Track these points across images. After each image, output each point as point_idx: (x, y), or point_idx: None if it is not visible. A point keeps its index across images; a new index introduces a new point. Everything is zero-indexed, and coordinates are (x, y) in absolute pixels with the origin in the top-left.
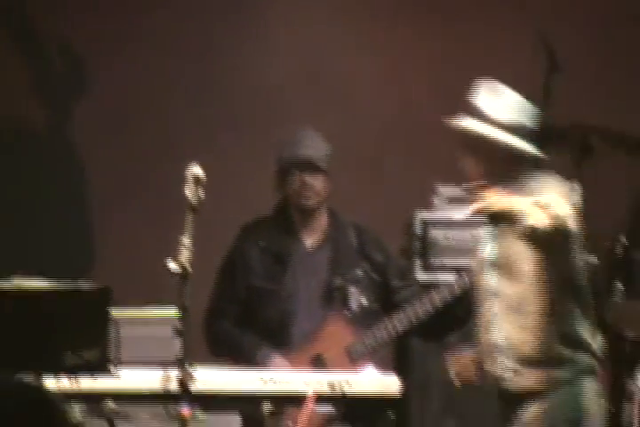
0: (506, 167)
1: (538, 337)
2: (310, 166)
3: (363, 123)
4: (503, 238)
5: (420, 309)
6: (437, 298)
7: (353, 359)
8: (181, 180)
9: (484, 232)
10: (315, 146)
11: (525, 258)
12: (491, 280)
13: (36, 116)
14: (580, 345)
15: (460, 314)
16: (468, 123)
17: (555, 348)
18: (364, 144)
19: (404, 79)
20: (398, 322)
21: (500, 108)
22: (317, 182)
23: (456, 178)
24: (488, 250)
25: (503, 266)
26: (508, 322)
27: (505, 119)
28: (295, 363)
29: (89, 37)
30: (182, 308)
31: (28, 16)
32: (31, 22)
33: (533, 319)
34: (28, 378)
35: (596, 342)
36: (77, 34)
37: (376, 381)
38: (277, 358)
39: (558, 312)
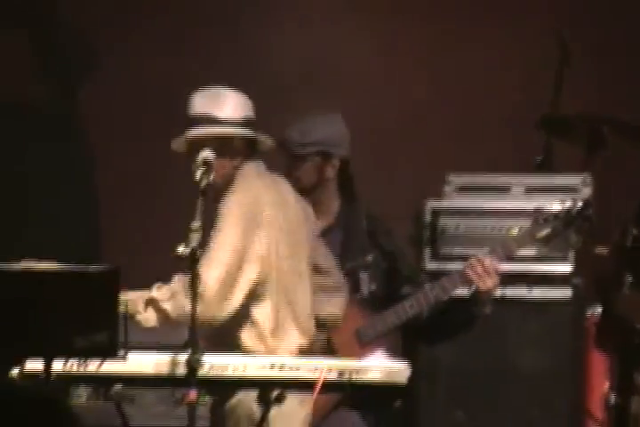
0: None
1: None
2: (289, 151)
3: (376, 113)
4: None
5: (431, 294)
6: (448, 284)
7: (362, 344)
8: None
9: None
10: (298, 132)
11: None
12: None
13: (45, 99)
14: None
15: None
16: (199, 131)
17: None
18: (376, 132)
19: (416, 74)
20: (409, 307)
21: (226, 108)
22: (298, 169)
23: (467, 167)
24: None
25: None
26: None
27: (233, 116)
28: None
29: (102, 24)
30: (192, 293)
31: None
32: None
33: None
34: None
35: None
36: (92, 21)
37: (385, 369)
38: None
39: None
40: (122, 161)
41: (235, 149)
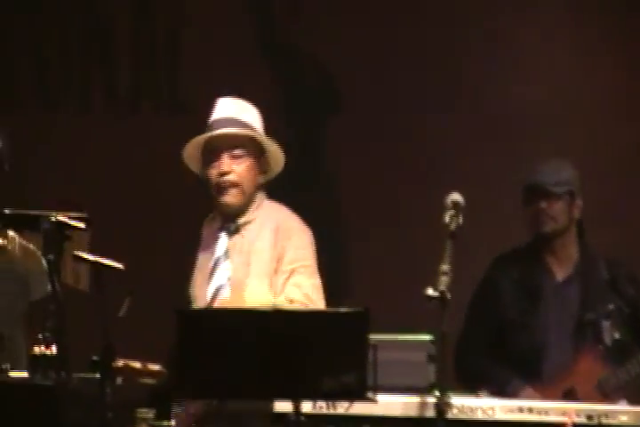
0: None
1: None
2: (543, 191)
3: (609, 147)
4: None
5: None
6: None
7: (605, 394)
8: (437, 208)
9: None
10: (550, 172)
11: None
12: None
13: (287, 131)
14: None
15: None
16: (231, 129)
17: None
18: (610, 169)
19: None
20: None
21: (247, 114)
22: (553, 208)
23: None
24: None
25: None
26: None
27: (256, 124)
28: (546, 396)
29: (342, 55)
30: (441, 334)
31: (281, 30)
32: (284, 36)
33: None
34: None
35: None
36: (329, 50)
37: (634, 412)
38: (529, 390)
39: None
40: (365, 202)
41: (262, 166)
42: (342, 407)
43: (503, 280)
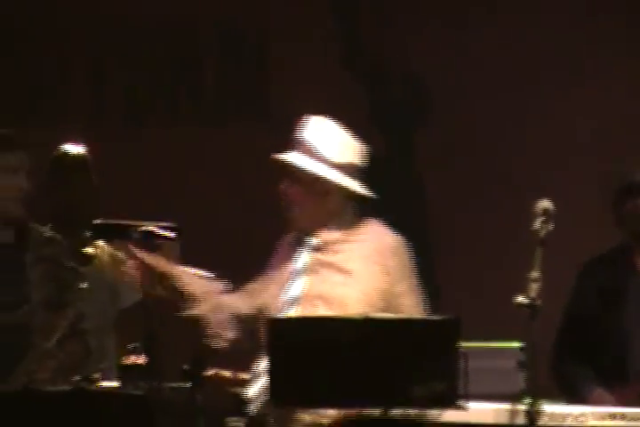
0: (336, 205)
1: None
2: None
3: None
4: None
5: None
6: None
7: None
8: (523, 218)
9: None
10: None
11: None
12: None
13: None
14: None
15: None
16: (298, 159)
17: None
18: None
19: None
20: None
21: (331, 146)
22: None
23: None
24: None
25: None
26: None
27: (336, 158)
28: (625, 400)
29: (432, 69)
30: (530, 342)
31: (368, 42)
32: (371, 49)
33: None
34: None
35: None
36: (420, 64)
37: None
38: (598, 391)
39: None
40: (451, 215)
41: (328, 190)
42: (433, 415)
43: (589, 285)
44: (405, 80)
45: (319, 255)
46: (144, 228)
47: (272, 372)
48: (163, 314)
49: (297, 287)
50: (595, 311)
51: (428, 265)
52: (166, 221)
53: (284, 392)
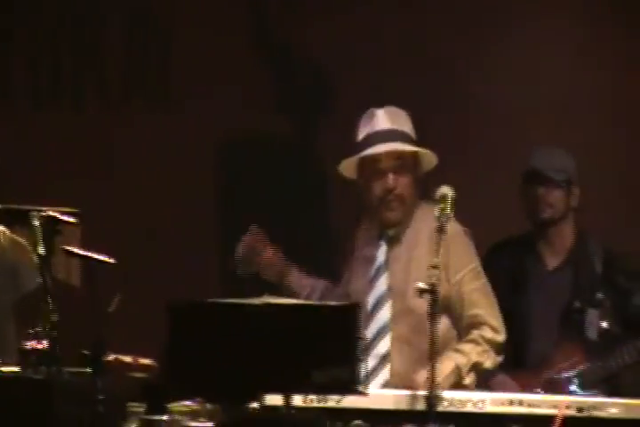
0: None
1: None
2: (542, 178)
3: (608, 142)
4: None
5: None
6: None
7: (584, 387)
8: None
9: None
10: (549, 158)
11: None
12: None
13: (282, 129)
14: None
15: None
16: (399, 145)
17: None
18: (612, 164)
19: None
20: (628, 355)
21: (409, 129)
22: (552, 195)
23: None
24: None
25: None
26: None
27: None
28: (526, 385)
29: (337, 53)
30: (434, 328)
31: (276, 29)
32: (278, 35)
33: None
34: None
35: None
36: (323, 49)
37: (624, 404)
38: (499, 377)
39: None
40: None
41: (413, 170)
42: (333, 401)
43: (494, 269)
44: (310, 66)
45: (395, 247)
46: (45, 213)
47: (171, 358)
48: (63, 299)
49: (382, 284)
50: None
51: (328, 251)
52: (68, 206)
53: (184, 379)
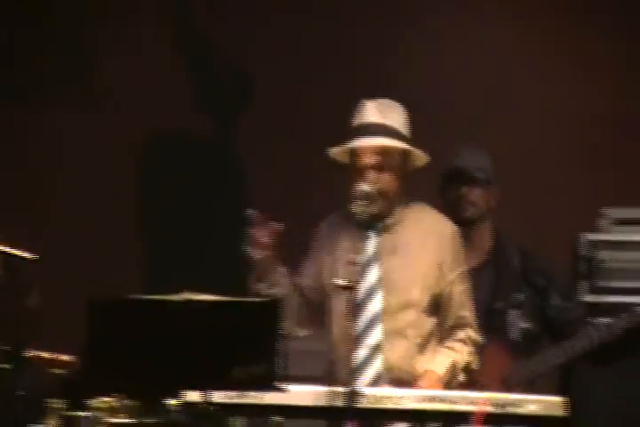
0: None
1: None
2: (465, 177)
3: (531, 141)
4: None
5: (577, 346)
6: (595, 336)
7: (508, 387)
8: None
9: None
10: (472, 158)
11: None
12: None
13: (202, 129)
14: None
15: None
16: (383, 140)
17: None
18: (531, 163)
19: (581, 93)
20: (555, 357)
21: (400, 123)
22: (474, 194)
23: (623, 200)
24: None
25: None
26: None
27: (407, 134)
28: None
29: (258, 53)
30: (350, 324)
31: (197, 29)
32: (199, 36)
33: None
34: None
35: None
36: (246, 49)
37: (542, 401)
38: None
39: None
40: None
41: (399, 166)
42: (252, 397)
43: None
44: (230, 65)
45: (384, 239)
46: None
47: (91, 354)
48: None
49: (373, 273)
50: None
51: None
52: None
53: (103, 375)
